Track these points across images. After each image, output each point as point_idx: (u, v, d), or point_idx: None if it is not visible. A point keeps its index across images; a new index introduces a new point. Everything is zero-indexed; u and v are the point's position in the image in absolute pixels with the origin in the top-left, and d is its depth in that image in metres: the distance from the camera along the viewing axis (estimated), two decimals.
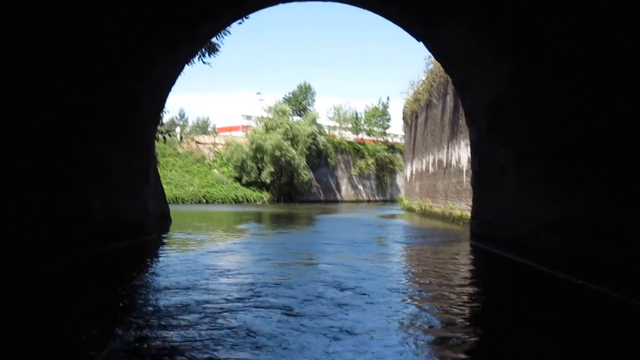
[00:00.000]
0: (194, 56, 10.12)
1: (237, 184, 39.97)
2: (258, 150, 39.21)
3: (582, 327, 4.04)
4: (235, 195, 38.38)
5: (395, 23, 9.52)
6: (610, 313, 4.38)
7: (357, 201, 48.46)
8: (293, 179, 40.68)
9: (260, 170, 39.53)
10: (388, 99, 53.74)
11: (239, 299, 4.65)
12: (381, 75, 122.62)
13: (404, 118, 27.39)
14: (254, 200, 39.11)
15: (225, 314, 4.12)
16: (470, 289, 5.49)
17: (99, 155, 7.46)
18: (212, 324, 3.81)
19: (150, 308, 4.37)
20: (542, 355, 3.39)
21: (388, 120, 53.43)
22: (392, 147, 54.02)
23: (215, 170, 41.03)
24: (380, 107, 53.39)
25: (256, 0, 9.28)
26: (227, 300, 4.59)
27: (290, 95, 48.15)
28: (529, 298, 5.10)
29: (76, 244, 6.77)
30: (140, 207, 9.15)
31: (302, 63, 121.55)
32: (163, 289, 5.16)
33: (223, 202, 36.44)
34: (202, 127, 68.81)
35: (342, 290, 5.10)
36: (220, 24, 9.62)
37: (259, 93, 55.73)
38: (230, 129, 55.21)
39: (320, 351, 3.20)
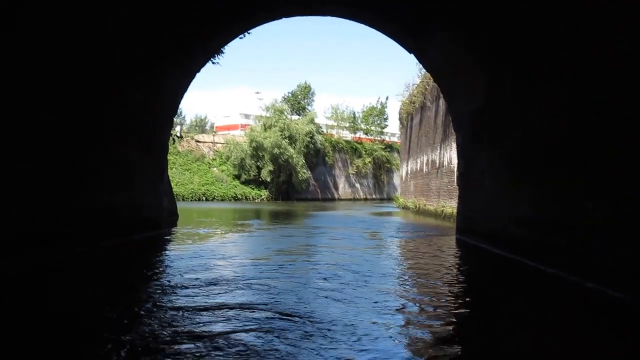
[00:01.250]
0: (203, 66, 11.00)
1: (236, 182, 40.88)
2: (257, 149, 40.09)
3: (530, 298, 5.02)
4: (235, 193, 39.28)
5: (389, 37, 10.46)
6: (554, 288, 5.39)
7: (354, 199, 49.43)
8: (291, 177, 41.62)
9: (259, 168, 40.43)
10: (387, 98, 54.71)
11: (249, 277, 5.62)
12: (381, 73, 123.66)
13: (399, 119, 28.37)
14: (252, 198, 40.04)
15: (251, 281, 5.18)
16: (447, 271, 6.46)
17: (124, 158, 8.37)
18: (239, 284, 4.95)
19: (176, 282, 5.29)
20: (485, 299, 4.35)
21: (386, 119, 54.41)
22: (389, 146, 55.01)
23: (215, 169, 41.91)
24: (379, 107, 54.34)
25: (262, 15, 10.21)
26: (243, 277, 5.53)
27: (290, 95, 49.02)
28: (494, 276, 6.27)
29: (104, 234, 7.68)
30: (156, 204, 10.07)
31: (300, 60, 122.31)
32: (187, 269, 6.09)
33: (222, 200, 37.34)
34: (201, 126, 69.47)
35: (338, 268, 6.15)
36: (229, 38, 10.52)
37: (258, 92, 56.60)
38: (228, 127, 56.01)
39: (313, 296, 4.29)
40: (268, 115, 43.57)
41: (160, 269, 6.43)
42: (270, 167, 39.97)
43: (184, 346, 3.21)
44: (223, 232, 12.14)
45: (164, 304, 4.34)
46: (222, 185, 39.53)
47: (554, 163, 5.88)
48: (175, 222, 13.82)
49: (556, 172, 5.84)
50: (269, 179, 40.39)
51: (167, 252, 8.10)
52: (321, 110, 54.95)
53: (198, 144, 44.44)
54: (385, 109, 53.98)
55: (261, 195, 40.67)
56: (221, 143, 44.80)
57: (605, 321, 4.17)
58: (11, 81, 5.32)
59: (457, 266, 6.99)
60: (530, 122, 6.53)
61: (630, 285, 4.44)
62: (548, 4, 5.70)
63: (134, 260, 7.21)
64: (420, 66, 20.92)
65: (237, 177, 40.96)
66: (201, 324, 3.70)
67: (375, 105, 54.59)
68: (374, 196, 52.47)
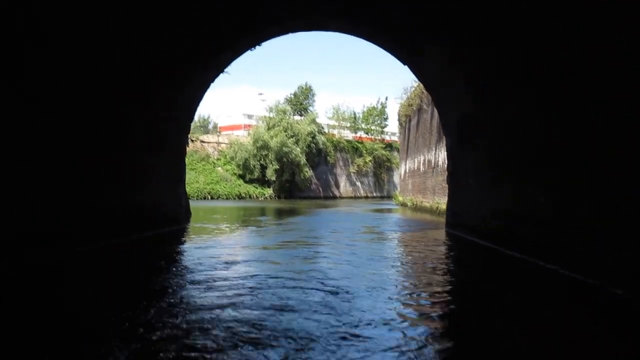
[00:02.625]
0: (217, 76, 12.11)
1: (240, 181, 42.02)
2: (262, 148, 41.22)
3: (501, 274, 6.14)
4: (239, 192, 40.43)
5: (385, 50, 11.55)
6: (520, 270, 6.49)
7: (355, 197, 50.52)
8: (294, 176, 42.76)
9: (263, 167, 41.57)
10: (387, 98, 56.02)
11: (265, 257, 6.75)
12: (381, 73, 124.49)
13: (398, 120, 29.45)
14: (256, 196, 41.19)
15: (266, 259, 6.25)
16: (434, 256, 7.57)
17: (150, 162, 9.49)
18: (257, 261, 6.02)
19: (203, 262, 6.41)
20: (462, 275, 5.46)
21: (386, 119, 55.53)
22: (389, 146, 56.09)
23: (219, 168, 43.06)
24: (379, 107, 55.46)
25: (271, 30, 11.31)
26: (261, 257, 6.66)
27: (292, 96, 50.12)
28: (472, 260, 7.44)
29: (135, 229, 8.81)
30: (176, 202, 11.20)
31: (301, 59, 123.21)
32: (211, 254, 7.22)
33: (227, 198, 38.48)
34: (204, 126, 70.56)
35: (341, 253, 7.27)
36: (240, 51, 11.63)
37: (261, 94, 57.73)
38: (232, 127, 57.14)
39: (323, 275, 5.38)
40: (272, 115, 44.70)
41: (188, 255, 7.61)
42: (276, 166, 41.10)
43: (217, 291, 4.40)
44: (236, 226, 13.30)
45: (195, 274, 5.50)
46: (226, 184, 40.69)
47: (518, 168, 6.99)
48: (189, 219, 15.01)
49: (518, 175, 6.95)
50: (273, 178, 41.53)
51: (190, 242, 9.27)
52: (322, 110, 56.26)
53: (203, 144, 45.58)
54: (386, 109, 55.18)
55: (265, 194, 41.82)
56: (225, 143, 45.95)
57: (534, 283, 5.49)
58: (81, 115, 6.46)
59: (441, 251, 8.12)
60: (504, 130, 7.63)
61: (569, 262, 5.54)
62: (521, 27, 6.77)
63: (165, 249, 8.35)
64: None
65: (242, 176, 42.12)
66: (233, 281, 4.85)
67: (375, 106, 55.74)
68: (374, 194, 53.56)
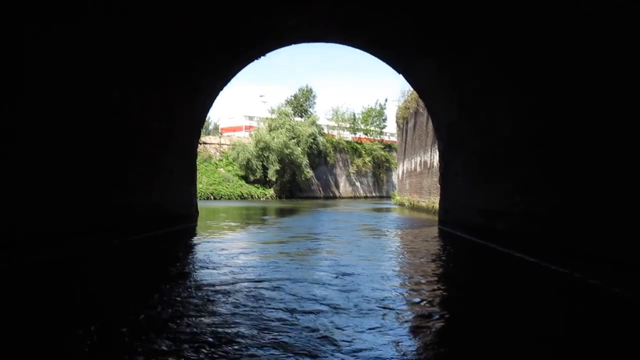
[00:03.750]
0: (225, 85, 13.05)
1: (242, 182, 42.97)
2: (264, 150, 42.19)
3: (479, 260, 7.07)
4: (241, 192, 41.36)
5: (381, 60, 12.49)
6: (498, 259, 7.43)
7: (355, 197, 51.46)
8: (295, 177, 43.72)
9: (265, 168, 42.53)
10: (386, 100, 56.99)
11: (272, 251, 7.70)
12: (381, 75, 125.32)
13: (396, 122, 30.39)
14: (258, 196, 42.12)
15: (275, 249, 7.21)
16: (425, 248, 8.50)
17: (169, 166, 10.44)
18: (271, 254, 6.93)
19: (217, 251, 7.35)
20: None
21: (384, 120, 56.50)
22: (388, 146, 57.00)
23: (222, 169, 43.99)
24: (378, 108, 56.43)
25: (275, 43, 12.25)
26: (268, 248, 7.60)
27: (292, 98, 51.09)
28: (455, 250, 8.37)
29: (157, 225, 9.75)
30: (188, 202, 12.13)
31: (302, 60, 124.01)
32: (222, 247, 8.17)
33: (229, 199, 39.40)
34: (205, 127, 71.50)
35: (343, 245, 8.21)
36: (246, 62, 12.57)
37: (262, 96, 58.69)
38: (233, 129, 58.06)
39: (327, 264, 6.27)
40: (274, 117, 45.65)
41: (204, 246, 8.57)
42: (277, 167, 42.03)
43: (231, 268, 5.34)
44: (243, 224, 14.25)
45: (211, 259, 6.45)
46: (229, 184, 41.64)
47: (496, 169, 7.94)
48: (197, 217, 16.02)
49: (496, 176, 7.89)
50: (274, 179, 42.45)
51: (203, 237, 10.23)
52: (322, 111, 57.19)
53: (205, 145, 46.49)
54: (384, 110, 56.15)
55: (266, 194, 42.76)
56: (227, 144, 46.88)
57: (500, 264, 6.48)
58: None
59: (432, 244, 9.06)
60: (483, 136, 8.57)
61: (533, 251, 6.48)
62: (491, 46, 7.71)
63: (186, 242, 9.36)
64: None
65: (244, 177, 43.08)
66: (249, 264, 5.80)
67: (374, 107, 56.73)
68: (373, 194, 54.50)
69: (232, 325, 3.72)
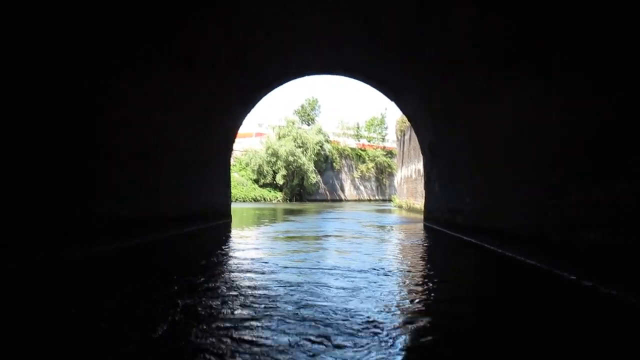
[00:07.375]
0: (250, 111, 16.23)
1: (255, 185, 46.25)
2: (273, 156, 45.45)
3: (448, 246, 10.13)
4: (254, 195, 44.62)
5: (377, 90, 15.62)
6: (453, 240, 10.46)
7: (359, 200, 54.52)
8: (303, 181, 46.93)
9: (275, 173, 45.80)
10: (386, 109, 60.30)
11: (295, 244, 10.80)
12: None
13: (396, 133, 33.50)
14: (269, 199, 45.34)
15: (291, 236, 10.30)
16: (406, 238, 11.57)
17: (212, 173, 13.60)
18: (297, 239, 9.98)
19: (249, 239, 10.44)
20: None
21: (386, 128, 59.67)
22: (390, 153, 60.09)
23: (235, 174, 47.27)
24: (379, 117, 59.61)
25: (292, 76, 15.43)
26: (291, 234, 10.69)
27: (300, 108, 54.36)
28: (430, 236, 11.32)
29: (202, 221, 12.91)
30: (225, 202, 15.30)
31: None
32: (256, 235, 11.29)
33: (244, 201, 42.60)
34: None
35: (349, 237, 11.32)
36: (268, 91, 15.76)
37: (270, 107, 62.16)
38: (244, 135, 61.44)
39: (333, 250, 9.35)
40: (282, 125, 48.97)
41: (247, 233, 11.68)
42: (284, 172, 45.24)
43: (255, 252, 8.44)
44: (262, 221, 17.40)
45: (246, 244, 9.57)
46: (243, 187, 44.92)
47: (456, 178, 11.02)
48: (231, 215, 19.29)
49: (457, 183, 10.97)
50: (281, 183, 45.63)
51: (238, 230, 13.34)
52: (327, 119, 60.34)
53: None
54: (385, 119, 59.35)
55: (277, 197, 45.99)
56: (239, 150, 50.19)
57: (461, 248, 9.36)
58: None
59: (416, 234, 12.15)
60: (450, 154, 11.65)
61: (483, 238, 9.52)
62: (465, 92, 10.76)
63: (228, 232, 12.47)
64: None
65: (256, 181, 46.37)
66: (281, 243, 8.89)
67: (376, 116, 59.96)
68: (376, 197, 57.52)
69: (278, 274, 6.81)
